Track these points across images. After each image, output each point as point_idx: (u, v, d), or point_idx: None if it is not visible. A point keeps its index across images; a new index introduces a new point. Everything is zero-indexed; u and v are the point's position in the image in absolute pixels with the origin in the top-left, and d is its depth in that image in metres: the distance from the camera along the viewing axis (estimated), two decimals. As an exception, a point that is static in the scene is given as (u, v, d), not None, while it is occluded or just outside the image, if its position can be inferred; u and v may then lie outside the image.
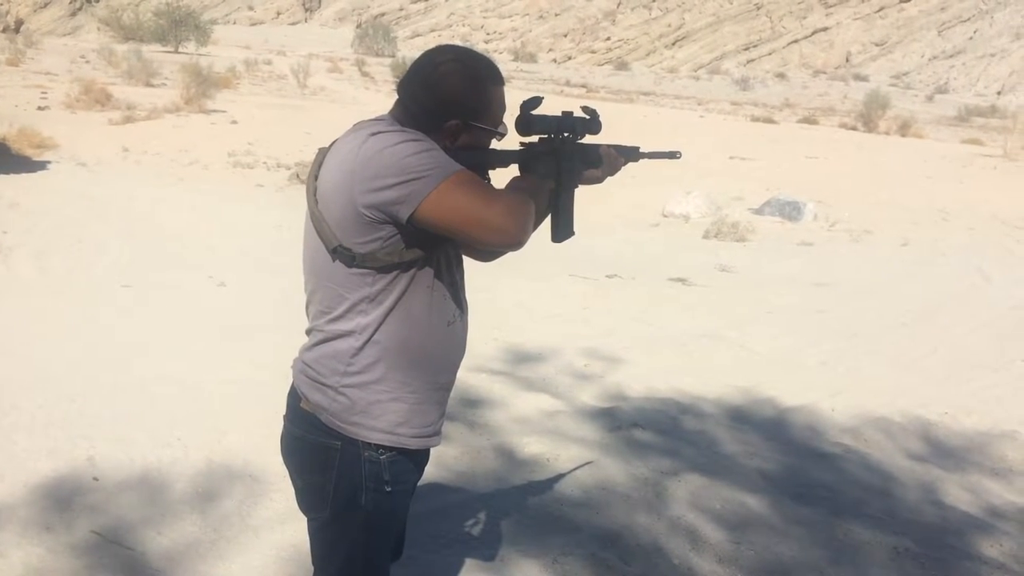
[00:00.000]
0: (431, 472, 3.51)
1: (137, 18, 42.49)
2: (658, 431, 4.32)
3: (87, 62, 27.84)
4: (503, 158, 1.86)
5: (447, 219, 1.64)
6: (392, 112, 1.81)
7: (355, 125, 1.79)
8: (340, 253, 1.71)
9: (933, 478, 4.07)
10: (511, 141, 1.85)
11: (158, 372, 4.64)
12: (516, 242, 1.69)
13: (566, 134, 1.93)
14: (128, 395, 4.28)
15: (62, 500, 3.19)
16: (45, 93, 18.77)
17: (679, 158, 2.30)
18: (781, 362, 5.75)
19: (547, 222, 1.99)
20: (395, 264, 1.71)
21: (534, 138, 1.92)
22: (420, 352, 1.79)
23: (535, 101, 1.83)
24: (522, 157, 1.90)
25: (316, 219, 1.75)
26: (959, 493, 3.94)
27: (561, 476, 3.71)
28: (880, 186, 15.75)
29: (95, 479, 3.38)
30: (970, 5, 73.37)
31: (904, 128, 29.04)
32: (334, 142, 1.79)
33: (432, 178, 1.62)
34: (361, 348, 1.75)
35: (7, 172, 10.63)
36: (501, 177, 1.80)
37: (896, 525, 3.52)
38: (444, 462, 3.72)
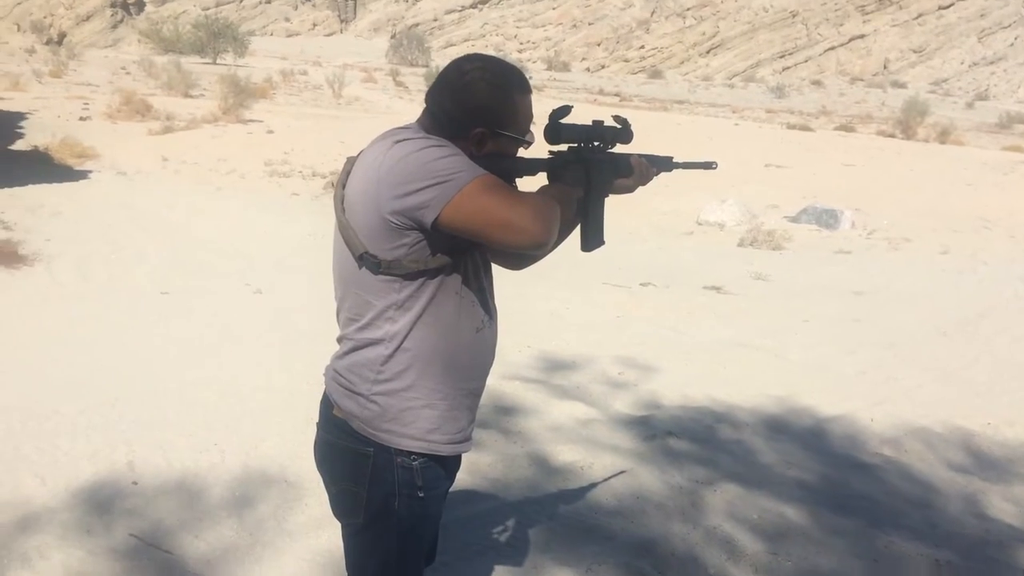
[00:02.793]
0: (465, 479, 3.51)
1: (176, 30, 43.12)
2: (693, 440, 4.28)
3: (128, 73, 28.33)
4: (531, 166, 1.85)
5: (472, 222, 1.64)
6: (419, 120, 1.82)
7: (382, 134, 1.80)
8: (366, 260, 1.72)
9: (975, 490, 3.99)
10: (541, 151, 1.85)
11: (196, 378, 4.70)
12: (541, 244, 1.68)
13: (596, 143, 1.92)
14: (167, 400, 4.33)
15: (102, 504, 3.24)
16: (87, 104, 19.12)
17: (715, 168, 2.27)
18: (818, 371, 5.68)
19: (577, 231, 1.99)
20: (421, 271, 1.72)
21: (564, 147, 1.91)
22: (450, 359, 1.79)
23: (564, 110, 1.83)
24: (550, 165, 1.90)
25: (343, 227, 1.77)
26: (1002, 505, 3.86)
27: (595, 484, 3.70)
28: (919, 194, 15.54)
29: (134, 483, 3.42)
30: (1011, 11, 72.24)
31: (943, 135, 28.62)
32: (361, 151, 1.81)
33: (456, 182, 1.62)
34: (391, 356, 1.76)
35: (50, 181, 10.84)
36: (529, 186, 1.80)
37: (937, 537, 3.46)
38: (478, 469, 3.72)
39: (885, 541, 3.36)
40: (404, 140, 1.70)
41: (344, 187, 1.79)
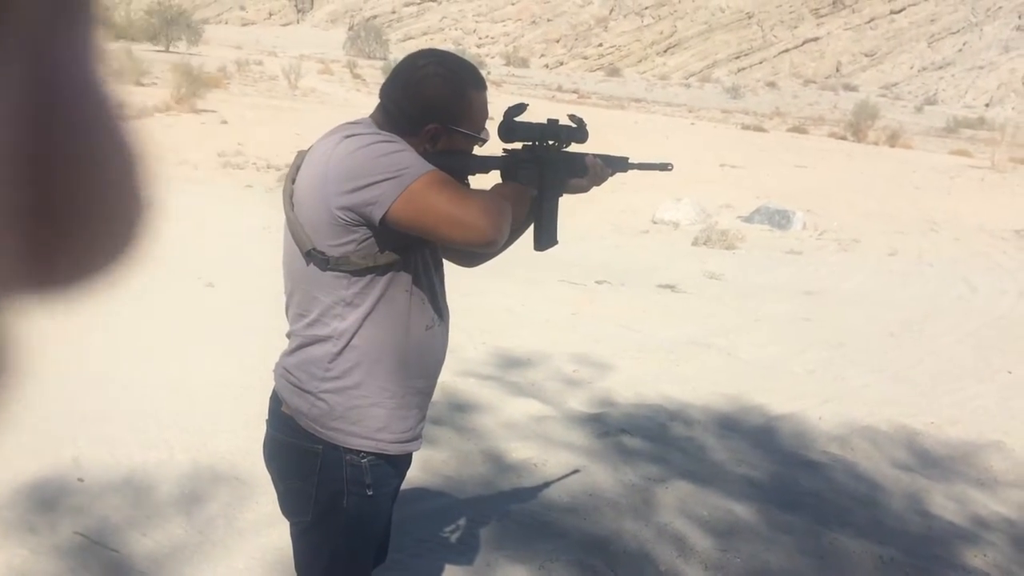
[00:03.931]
0: (418, 476, 3.51)
1: (128, 16, 42.25)
2: (646, 438, 4.32)
3: (77, 60, 27.66)
4: (484, 164, 1.84)
5: (420, 218, 1.63)
6: (373, 115, 1.81)
7: (333, 128, 1.78)
8: (314, 256, 1.70)
9: (919, 488, 4.08)
10: (496, 149, 1.84)
11: (145, 373, 4.62)
12: (490, 241, 1.68)
13: (550, 142, 1.93)
14: (114, 395, 4.25)
15: (46, 501, 3.17)
16: (34, 90, 18.64)
17: (671, 170, 2.27)
18: (769, 370, 5.77)
19: (530, 230, 1.99)
20: (370, 267, 1.70)
21: (518, 145, 1.91)
22: (399, 357, 1.78)
23: (519, 108, 1.83)
24: (504, 163, 1.90)
25: (291, 222, 1.75)
26: (944, 503, 3.96)
27: (549, 482, 3.71)
28: (868, 196, 15.84)
29: (80, 480, 3.36)
30: (960, 17, 73.94)
31: (893, 138, 29.19)
32: (312, 145, 1.79)
33: (404, 178, 1.61)
34: (339, 353, 1.75)
35: (-5, 169, 10.57)
36: (482, 183, 1.79)
37: (882, 534, 3.53)
38: (432, 466, 3.71)
39: (831, 538, 3.43)
40: (353, 135, 1.68)
41: (293, 182, 1.77)
